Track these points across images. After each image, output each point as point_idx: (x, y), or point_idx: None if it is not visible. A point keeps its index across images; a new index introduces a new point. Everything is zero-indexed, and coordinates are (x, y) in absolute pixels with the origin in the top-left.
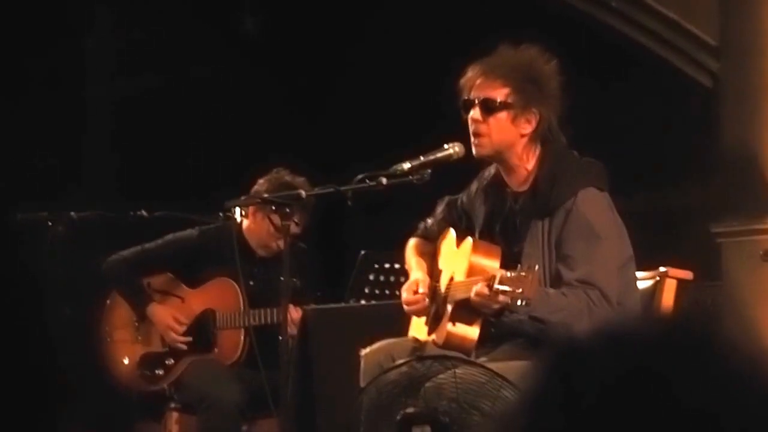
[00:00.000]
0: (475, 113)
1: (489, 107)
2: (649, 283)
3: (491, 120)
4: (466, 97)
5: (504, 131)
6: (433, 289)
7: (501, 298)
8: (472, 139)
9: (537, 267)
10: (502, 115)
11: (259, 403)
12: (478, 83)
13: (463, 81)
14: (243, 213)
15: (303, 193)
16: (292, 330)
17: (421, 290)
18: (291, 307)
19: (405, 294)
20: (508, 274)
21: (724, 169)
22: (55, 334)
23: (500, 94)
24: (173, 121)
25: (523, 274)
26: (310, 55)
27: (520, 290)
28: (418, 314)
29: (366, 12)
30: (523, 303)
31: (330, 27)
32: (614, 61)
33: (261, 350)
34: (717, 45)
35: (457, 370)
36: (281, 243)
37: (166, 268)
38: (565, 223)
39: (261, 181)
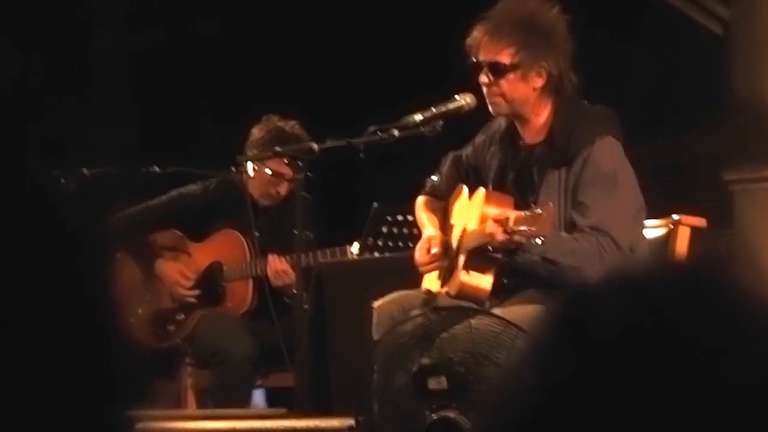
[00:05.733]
0: (485, 77)
1: (497, 70)
2: (662, 231)
3: (502, 82)
4: (474, 59)
5: (516, 90)
6: (445, 244)
7: (516, 238)
8: (487, 98)
9: (551, 204)
10: (512, 76)
11: (273, 356)
12: (484, 43)
13: (468, 42)
14: (255, 168)
15: (315, 146)
16: (278, 282)
17: (434, 250)
18: (275, 257)
19: (418, 254)
20: (523, 213)
21: (736, 117)
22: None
23: (506, 55)
24: (182, 75)
25: (538, 211)
26: (319, 8)
27: (535, 228)
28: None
29: None
30: (539, 241)
31: None
32: (623, 9)
33: (273, 302)
34: None
35: (472, 321)
36: (280, 189)
37: (171, 224)
38: (582, 172)
39: (255, 130)
